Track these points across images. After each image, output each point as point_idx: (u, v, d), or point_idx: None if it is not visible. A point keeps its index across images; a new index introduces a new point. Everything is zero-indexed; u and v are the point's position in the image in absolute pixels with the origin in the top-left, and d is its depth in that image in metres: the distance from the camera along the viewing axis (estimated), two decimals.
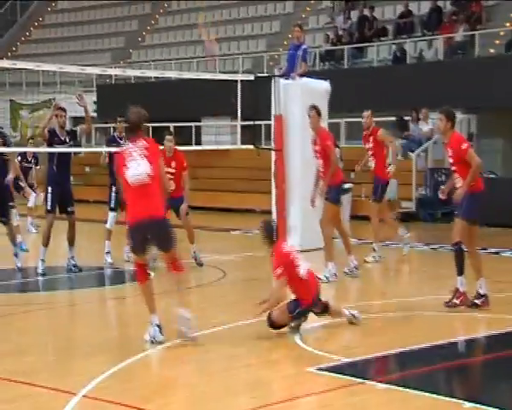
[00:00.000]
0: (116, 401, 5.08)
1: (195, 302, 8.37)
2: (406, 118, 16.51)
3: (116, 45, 26.75)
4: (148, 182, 6.27)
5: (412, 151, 16.20)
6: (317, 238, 9.90)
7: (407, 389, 5.27)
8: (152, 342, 6.33)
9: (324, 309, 6.91)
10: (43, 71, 21.65)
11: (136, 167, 6.26)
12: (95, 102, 22.62)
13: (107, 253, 10.35)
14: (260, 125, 13.67)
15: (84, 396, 5.17)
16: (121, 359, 6.00)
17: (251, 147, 12.92)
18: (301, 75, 12.01)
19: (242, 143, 13.21)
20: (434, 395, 5.14)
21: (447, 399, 5.11)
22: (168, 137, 10.36)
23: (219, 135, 20.02)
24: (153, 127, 19.75)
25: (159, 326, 6.37)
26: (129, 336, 6.87)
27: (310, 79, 12.19)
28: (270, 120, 12.42)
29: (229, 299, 8.56)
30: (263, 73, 17.84)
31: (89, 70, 18.15)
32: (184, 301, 6.53)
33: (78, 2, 29.86)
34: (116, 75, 22.11)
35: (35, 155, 15.21)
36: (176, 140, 10.63)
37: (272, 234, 6.79)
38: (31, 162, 15.13)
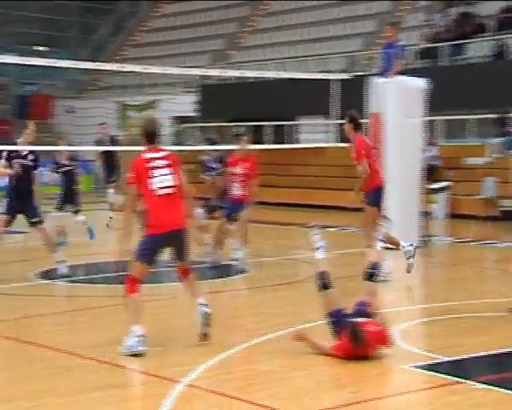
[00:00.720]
0: (216, 390, 5.14)
1: (290, 298, 8.36)
2: (508, 115, 15.88)
3: (216, 47, 27.12)
4: (174, 192, 6.12)
5: None
6: (415, 236, 9.67)
7: (508, 390, 5.05)
8: (132, 354, 5.89)
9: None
10: (148, 73, 22.22)
11: (162, 177, 6.09)
12: (195, 103, 23.04)
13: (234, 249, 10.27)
14: None
15: (186, 385, 5.25)
16: (221, 350, 6.06)
17: (346, 145, 12.78)
18: (397, 73, 11.76)
19: (337, 141, 13.10)
20: None
21: None
22: (244, 137, 10.16)
23: (314, 133, 19.92)
24: (252, 126, 19.88)
25: (142, 336, 5.97)
26: (228, 329, 6.92)
27: (405, 77, 11.92)
28: (365, 118, 12.25)
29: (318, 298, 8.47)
30: (358, 72, 17.62)
31: (191, 71, 18.59)
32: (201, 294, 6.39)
33: (182, 6, 30.48)
34: (216, 76, 22.41)
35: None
36: (272, 139, 10.58)
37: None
38: None
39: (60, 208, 11.99)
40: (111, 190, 14.36)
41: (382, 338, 5.89)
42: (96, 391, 5.19)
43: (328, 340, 5.97)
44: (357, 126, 9.07)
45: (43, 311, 7.81)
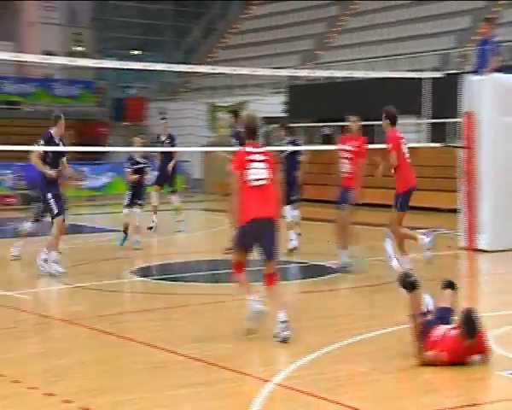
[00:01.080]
0: (305, 390, 5.13)
1: (381, 300, 8.25)
2: None
3: (305, 47, 27.08)
4: (267, 184, 6.42)
5: None
6: (509, 238, 9.33)
7: None
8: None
9: None
10: (238, 74, 22.43)
11: (257, 170, 6.42)
12: (284, 103, 23.08)
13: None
14: (449, 122, 13.15)
15: (276, 384, 5.26)
16: (311, 350, 6.04)
17: (438, 145, 12.50)
18: (493, 70, 11.37)
19: (429, 141, 12.80)
20: None
21: None
22: (353, 117, 10.20)
23: (405, 133, 19.51)
24: (340, 126, 19.72)
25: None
26: (319, 329, 6.89)
27: (503, 75, 11.51)
28: (458, 117, 11.91)
29: None
30: (451, 70, 17.13)
31: (280, 72, 18.63)
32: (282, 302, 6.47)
33: (271, 8, 30.60)
34: (305, 76, 22.37)
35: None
36: (364, 139, 10.47)
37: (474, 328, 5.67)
38: None
39: (129, 206, 12.14)
40: (173, 197, 14.06)
41: (481, 346, 5.70)
42: (187, 388, 5.28)
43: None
44: (394, 123, 9.37)
45: (137, 307, 8.03)
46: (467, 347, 5.58)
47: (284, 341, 6.27)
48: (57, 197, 9.34)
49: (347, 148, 9.90)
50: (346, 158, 9.94)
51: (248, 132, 6.69)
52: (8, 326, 6.97)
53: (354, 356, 6.04)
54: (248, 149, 6.56)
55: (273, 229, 6.40)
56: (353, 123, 10.15)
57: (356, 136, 10.12)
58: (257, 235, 6.38)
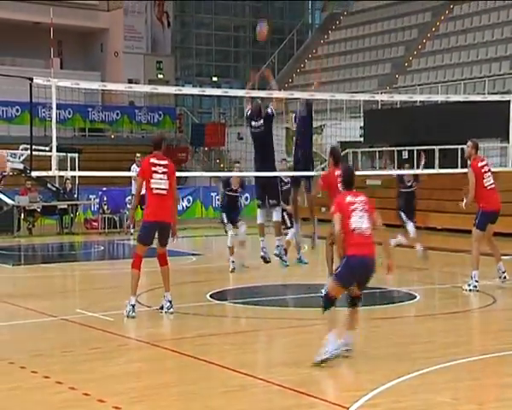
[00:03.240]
0: None
1: (463, 328, 8.03)
2: None
3: (383, 71, 26.90)
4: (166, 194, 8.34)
5: None
6: None
7: None
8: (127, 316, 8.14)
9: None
10: (316, 99, 22.44)
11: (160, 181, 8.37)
12: (361, 128, 22.95)
13: None
14: None
15: None
16: (389, 377, 5.94)
17: None
18: None
19: None
20: None
21: None
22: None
23: (488, 157, 19.04)
24: (417, 150, 19.44)
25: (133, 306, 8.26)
26: (397, 356, 6.76)
27: None
28: None
29: (500, 326, 8.05)
30: None
31: (358, 97, 18.57)
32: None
33: (348, 33, 30.61)
34: (383, 101, 22.21)
35: None
36: (442, 163, 10.36)
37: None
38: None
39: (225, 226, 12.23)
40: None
41: None
42: None
43: None
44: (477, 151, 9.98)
45: (216, 330, 8.10)
46: None
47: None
48: None
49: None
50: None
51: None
52: (93, 347, 7.16)
53: (433, 384, 5.88)
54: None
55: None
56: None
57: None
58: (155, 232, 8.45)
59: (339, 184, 8.37)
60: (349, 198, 6.67)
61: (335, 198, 6.90)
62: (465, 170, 17.91)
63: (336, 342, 6.34)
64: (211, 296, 9.82)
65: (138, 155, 18.51)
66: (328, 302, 6.42)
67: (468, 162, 10.36)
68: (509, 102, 11.92)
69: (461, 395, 5.57)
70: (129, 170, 17.08)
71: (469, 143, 10.10)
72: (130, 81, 26.26)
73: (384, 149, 22.46)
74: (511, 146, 12.09)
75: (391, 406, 5.37)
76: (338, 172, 8.46)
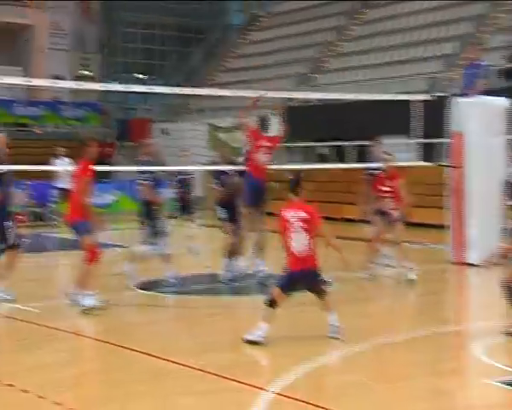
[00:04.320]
0: (303, 399, 5.11)
1: (378, 312, 8.25)
2: None
3: (301, 71, 27.20)
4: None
5: None
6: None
7: None
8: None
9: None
10: (237, 96, 22.50)
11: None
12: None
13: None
14: (439, 142, 13.21)
15: (275, 393, 5.24)
16: (306, 360, 6.02)
17: (429, 164, 12.54)
18: (479, 93, 11.43)
19: (418, 159, 12.85)
20: None
21: None
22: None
23: (396, 153, 19.58)
24: (334, 146, 19.79)
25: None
26: (320, 339, 6.87)
27: (488, 97, 11.58)
28: (446, 137, 11.97)
29: (412, 309, 8.30)
30: (439, 93, 17.23)
31: (277, 94, 18.68)
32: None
33: (268, 34, 30.78)
34: (300, 98, 22.45)
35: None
36: (355, 158, 10.50)
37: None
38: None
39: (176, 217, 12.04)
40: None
41: None
42: (189, 396, 5.26)
43: None
44: None
45: (142, 320, 8.00)
46: None
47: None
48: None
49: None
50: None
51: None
52: (18, 338, 6.94)
53: (351, 366, 6.02)
54: None
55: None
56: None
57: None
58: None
59: None
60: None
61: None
62: (375, 164, 18.39)
63: (265, 329, 6.37)
64: (136, 287, 9.69)
65: (62, 149, 18.12)
66: (272, 303, 6.54)
67: None
68: (414, 101, 12.31)
69: (374, 374, 5.72)
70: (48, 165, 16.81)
71: None
72: (55, 77, 25.51)
73: (302, 144, 22.75)
74: (414, 142, 12.50)
75: (311, 387, 5.46)
76: None
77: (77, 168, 8.26)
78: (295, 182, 6.71)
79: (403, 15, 25.32)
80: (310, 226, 6.54)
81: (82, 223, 7.90)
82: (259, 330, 6.41)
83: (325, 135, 21.35)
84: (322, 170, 19.57)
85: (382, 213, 9.89)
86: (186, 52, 33.23)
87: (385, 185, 9.81)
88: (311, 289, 6.73)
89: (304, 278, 6.59)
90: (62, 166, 17.49)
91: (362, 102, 18.02)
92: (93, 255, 7.97)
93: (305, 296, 9.09)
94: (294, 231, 6.52)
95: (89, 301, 7.89)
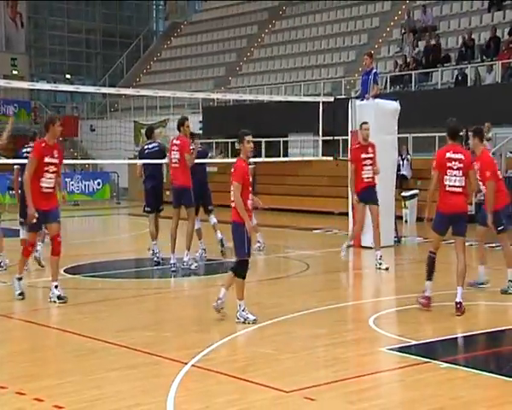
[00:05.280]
0: (217, 370, 5.14)
1: (283, 290, 8.36)
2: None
3: (218, 74, 27.17)
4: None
5: None
6: (387, 237, 9.59)
7: (469, 369, 5.05)
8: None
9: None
10: (160, 96, 22.20)
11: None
12: (200, 122, 23.04)
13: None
14: (339, 139, 13.53)
15: (192, 365, 5.25)
16: (223, 336, 6.05)
17: (330, 158, 12.82)
18: (374, 97, 11.78)
19: (323, 155, 13.13)
20: (494, 375, 4.91)
21: (506, 378, 4.87)
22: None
23: (303, 148, 19.96)
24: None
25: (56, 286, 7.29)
26: (232, 317, 6.91)
27: (381, 100, 11.95)
28: (347, 135, 12.28)
29: (312, 288, 8.49)
30: (341, 95, 17.64)
31: (197, 95, 18.63)
32: None
33: (189, 39, 30.49)
34: (218, 99, 22.43)
35: None
36: (267, 153, 10.53)
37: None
38: None
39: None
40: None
41: None
42: (115, 371, 5.18)
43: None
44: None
45: (68, 302, 7.79)
46: None
47: None
48: None
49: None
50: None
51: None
52: None
53: (260, 339, 6.09)
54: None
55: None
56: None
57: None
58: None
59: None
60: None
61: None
62: (286, 158, 18.68)
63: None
64: (65, 271, 9.43)
65: None
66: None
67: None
68: (319, 102, 12.53)
69: (280, 346, 5.81)
70: None
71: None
72: None
73: (220, 140, 22.74)
74: (321, 139, 12.74)
75: (224, 359, 5.49)
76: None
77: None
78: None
79: (309, 26, 25.73)
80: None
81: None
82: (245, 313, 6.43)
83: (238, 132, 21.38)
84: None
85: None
86: (112, 55, 32.45)
87: None
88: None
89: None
90: None
91: (274, 103, 18.21)
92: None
93: (217, 279, 9.16)
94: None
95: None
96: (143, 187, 10.24)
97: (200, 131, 22.98)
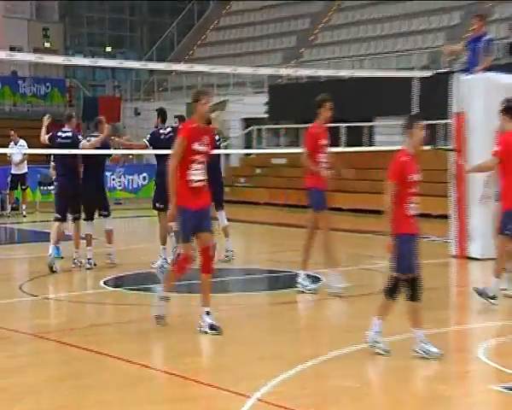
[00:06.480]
0: (288, 406, 5.12)
1: (367, 310, 8.27)
2: None
3: (287, 45, 27.18)
4: None
5: None
6: None
7: None
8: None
9: None
10: (217, 73, 22.42)
11: None
12: (265, 104, 23.13)
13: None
14: (438, 124, 13.28)
15: (258, 400, 5.25)
16: (294, 364, 6.03)
17: (427, 148, 12.57)
18: (485, 70, 11.48)
19: None
20: None
21: None
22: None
23: (393, 135, 19.64)
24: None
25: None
26: (305, 341, 6.88)
27: (494, 73, 11.63)
28: (448, 118, 12.01)
29: (404, 308, 8.32)
30: (441, 69, 17.28)
31: (261, 71, 18.67)
32: None
33: (252, 4, 30.67)
34: (288, 75, 22.45)
35: None
36: (347, 141, 10.50)
37: None
38: None
39: None
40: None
41: None
42: (167, 403, 5.25)
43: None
44: None
45: (110, 320, 7.96)
46: None
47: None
48: None
49: None
50: None
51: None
52: None
53: (338, 370, 6.03)
54: None
55: None
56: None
57: None
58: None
59: None
60: None
61: None
62: (371, 148, 18.49)
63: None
64: (104, 283, 9.66)
65: (12, 132, 18.03)
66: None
67: None
68: (413, 78, 12.35)
69: (366, 379, 5.74)
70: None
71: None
72: (12, 49, 25.22)
73: (290, 126, 22.76)
74: None
75: (294, 392, 5.46)
76: None
77: None
78: None
79: None
80: None
81: None
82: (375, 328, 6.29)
83: (313, 116, 21.34)
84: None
85: None
86: (160, 23, 33.03)
87: None
88: None
89: None
90: (17, 150, 17.44)
91: (356, 80, 18.05)
92: None
93: (281, 295, 9.15)
94: None
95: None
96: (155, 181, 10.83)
97: (266, 115, 23.10)
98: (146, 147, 10.81)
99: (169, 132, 10.57)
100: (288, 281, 9.95)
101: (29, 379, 5.83)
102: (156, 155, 10.90)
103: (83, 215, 10.53)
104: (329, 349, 6.44)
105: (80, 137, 10.80)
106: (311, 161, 8.74)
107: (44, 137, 10.67)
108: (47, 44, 30.56)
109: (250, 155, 23.13)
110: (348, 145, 18.65)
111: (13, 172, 18.33)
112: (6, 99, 27.07)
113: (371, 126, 20.53)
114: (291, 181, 20.50)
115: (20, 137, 18.13)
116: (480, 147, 11.23)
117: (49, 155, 11.67)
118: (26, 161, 18.25)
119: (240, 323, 7.87)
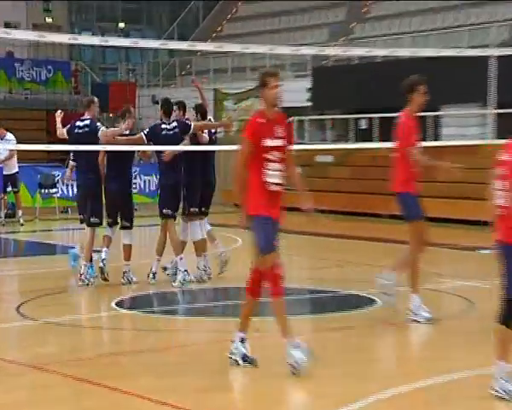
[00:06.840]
0: None
1: (434, 340, 8.18)
2: None
3: (335, 19, 27.16)
4: None
5: None
6: None
7: None
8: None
9: None
10: (250, 53, 22.47)
11: None
12: (308, 90, 23.12)
13: None
14: None
15: None
16: (344, 402, 5.99)
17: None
18: None
19: (498, 136, 12.75)
20: None
21: None
22: None
23: (464, 127, 19.50)
24: (382, 118, 19.67)
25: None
26: (364, 375, 6.80)
27: None
28: None
29: (476, 338, 8.22)
30: None
31: (303, 51, 18.65)
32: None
33: None
34: (335, 55, 22.40)
35: None
36: None
37: None
38: None
39: None
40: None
41: None
42: None
43: None
44: None
45: (124, 348, 7.99)
46: None
47: None
48: None
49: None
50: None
51: None
52: None
53: (408, 408, 6.00)
54: None
55: None
56: None
57: None
58: None
59: None
60: None
61: None
62: (437, 143, 18.32)
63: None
64: (116, 304, 9.71)
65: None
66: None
67: None
68: (489, 57, 12.21)
69: None
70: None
71: None
72: (7, 25, 25.54)
73: (337, 116, 22.70)
74: (492, 113, 12.38)
75: None
76: None
77: None
78: None
79: None
80: None
81: None
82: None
83: (366, 104, 21.29)
84: (362, 150, 19.56)
85: None
86: None
87: None
88: None
89: None
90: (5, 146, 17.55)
91: (417, 60, 17.91)
92: None
93: (331, 318, 9.09)
94: None
95: None
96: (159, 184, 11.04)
97: (309, 104, 23.08)
98: (143, 141, 10.72)
99: (174, 128, 10.57)
100: (338, 302, 9.88)
101: None
102: (157, 153, 10.92)
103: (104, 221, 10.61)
104: (392, 384, 6.37)
105: (99, 124, 10.74)
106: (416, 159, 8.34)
107: (62, 131, 10.68)
108: (49, 20, 30.97)
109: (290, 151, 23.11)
110: None
111: (4, 173, 18.45)
112: (1, 85, 27.41)
113: (437, 117, 20.36)
114: (339, 183, 20.47)
115: (15, 130, 18.25)
116: None
117: (68, 151, 11.77)
118: (15, 159, 18.15)
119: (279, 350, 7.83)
